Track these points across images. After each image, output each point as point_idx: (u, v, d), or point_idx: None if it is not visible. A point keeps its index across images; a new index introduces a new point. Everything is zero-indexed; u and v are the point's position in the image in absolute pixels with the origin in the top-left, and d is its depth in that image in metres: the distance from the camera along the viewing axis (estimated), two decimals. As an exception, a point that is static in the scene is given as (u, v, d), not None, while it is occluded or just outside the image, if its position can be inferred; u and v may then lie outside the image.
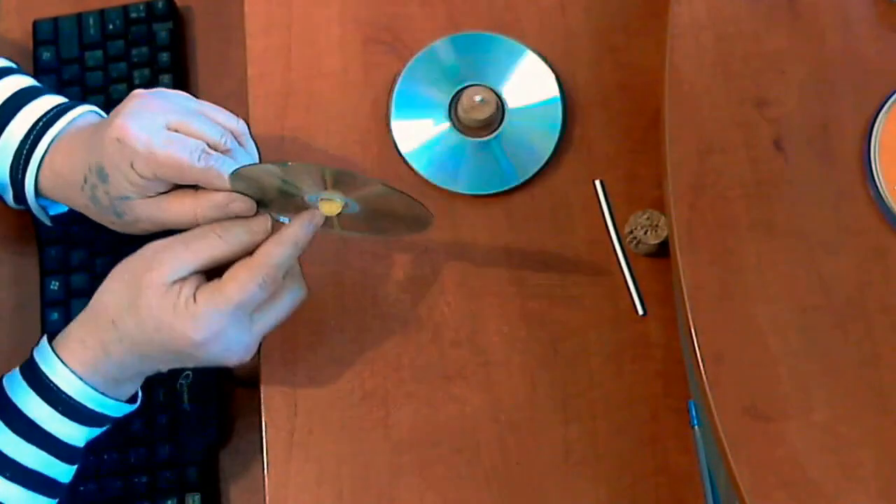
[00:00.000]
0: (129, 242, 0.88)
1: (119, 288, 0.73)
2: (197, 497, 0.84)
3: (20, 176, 0.80)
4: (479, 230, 0.84)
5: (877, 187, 0.68)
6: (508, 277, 0.82)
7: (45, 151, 0.79)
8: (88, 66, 0.94)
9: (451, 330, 0.82)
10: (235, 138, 0.78)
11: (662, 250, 0.79)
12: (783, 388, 0.65)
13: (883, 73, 0.71)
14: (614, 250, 0.82)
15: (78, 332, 0.74)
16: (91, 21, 0.94)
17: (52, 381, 0.73)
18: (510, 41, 0.86)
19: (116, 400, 0.75)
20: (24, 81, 0.83)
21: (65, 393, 0.73)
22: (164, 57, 0.94)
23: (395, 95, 0.86)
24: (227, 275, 0.72)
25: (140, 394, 0.79)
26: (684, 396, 0.78)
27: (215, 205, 0.74)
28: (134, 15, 0.95)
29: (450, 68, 0.86)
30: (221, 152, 0.75)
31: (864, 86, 0.71)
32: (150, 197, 0.76)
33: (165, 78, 0.93)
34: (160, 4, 0.95)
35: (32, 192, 0.80)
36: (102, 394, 0.74)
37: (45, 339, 0.75)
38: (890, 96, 0.70)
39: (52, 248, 0.89)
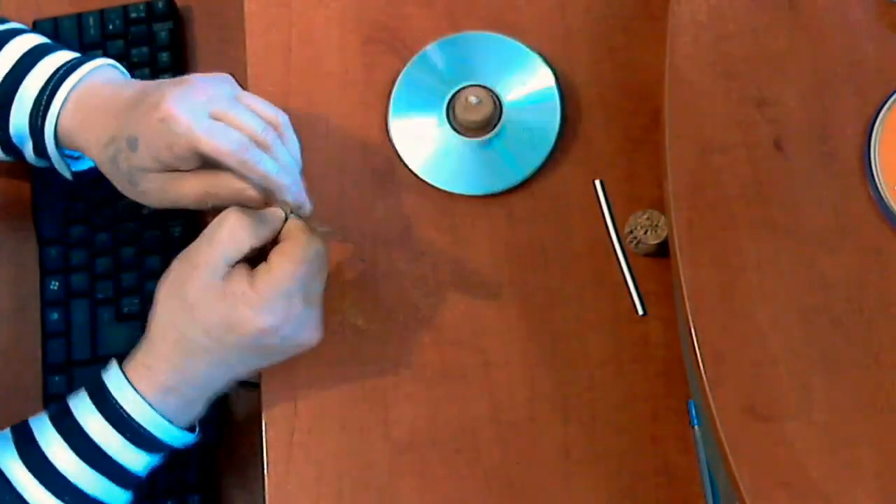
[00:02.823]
0: (130, 243, 0.89)
1: (170, 310, 0.73)
2: (197, 497, 0.84)
3: (40, 123, 0.80)
4: (479, 230, 0.84)
5: (877, 187, 0.68)
6: (508, 277, 0.82)
7: (66, 99, 0.79)
8: (88, 66, 0.94)
9: (451, 330, 0.82)
10: (275, 129, 0.78)
11: (662, 250, 0.79)
12: (783, 388, 0.65)
13: (883, 73, 0.71)
14: (614, 250, 0.82)
15: (145, 358, 0.74)
16: (91, 21, 0.94)
17: (124, 409, 0.73)
18: (510, 41, 0.86)
19: (180, 428, 0.75)
20: (40, 39, 0.84)
21: (136, 420, 0.73)
22: (164, 57, 0.94)
23: (394, 95, 0.86)
24: (272, 256, 0.73)
25: (198, 425, 0.79)
26: (684, 396, 0.78)
27: (230, 189, 0.76)
28: (134, 15, 0.95)
29: (449, 68, 0.86)
30: (261, 145, 0.76)
31: (864, 86, 0.71)
32: (167, 173, 0.76)
33: (165, 78, 0.93)
34: (160, 4, 0.95)
35: (52, 139, 0.80)
36: (169, 421, 0.74)
37: (114, 362, 0.75)
38: (890, 96, 0.70)
39: (52, 248, 0.90)
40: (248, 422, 0.86)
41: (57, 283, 0.89)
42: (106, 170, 0.80)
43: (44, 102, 0.80)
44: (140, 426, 0.73)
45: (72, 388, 0.86)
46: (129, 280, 0.88)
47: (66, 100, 0.79)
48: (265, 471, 0.80)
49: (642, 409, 0.79)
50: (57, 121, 0.80)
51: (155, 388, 0.73)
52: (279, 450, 0.80)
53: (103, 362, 0.86)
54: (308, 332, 0.75)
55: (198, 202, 0.77)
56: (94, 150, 0.79)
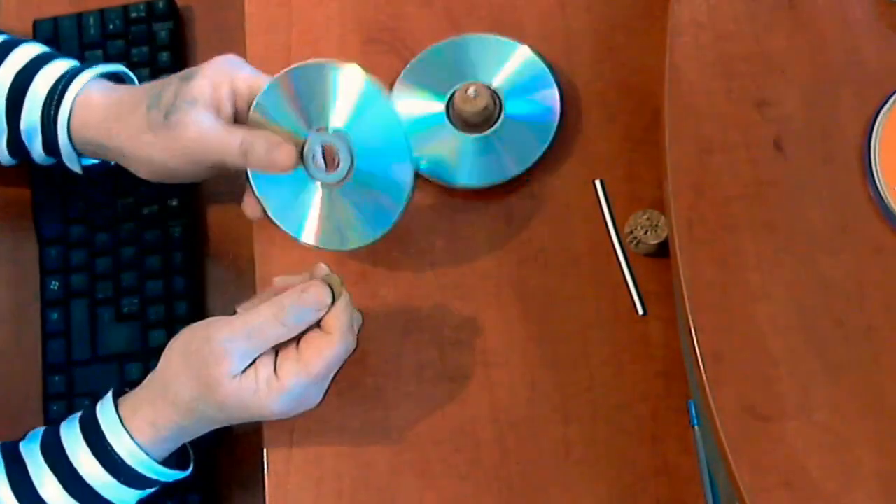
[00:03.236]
0: (130, 243, 0.89)
1: (187, 381, 0.72)
2: (197, 497, 0.84)
3: (53, 113, 0.80)
4: (478, 230, 0.84)
5: (877, 187, 0.68)
6: (508, 277, 0.82)
7: (82, 89, 0.80)
8: (88, 66, 0.94)
9: (451, 330, 0.82)
10: None
11: (662, 250, 0.79)
12: (783, 388, 0.65)
13: (883, 73, 0.71)
14: (614, 250, 0.82)
15: (148, 412, 0.73)
16: (91, 21, 0.94)
17: (119, 455, 0.73)
18: (509, 42, 0.86)
19: (166, 464, 0.76)
20: (48, 48, 0.84)
21: (130, 466, 0.73)
22: (164, 57, 0.94)
23: (394, 95, 0.86)
24: (305, 349, 0.73)
25: (192, 459, 0.79)
26: (684, 396, 0.78)
27: (268, 141, 0.76)
28: (134, 15, 0.95)
29: (449, 69, 0.86)
30: None
31: (864, 86, 0.71)
32: (209, 115, 0.77)
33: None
34: (160, 4, 0.95)
35: (66, 129, 0.80)
36: (161, 463, 0.74)
37: (111, 403, 0.74)
38: (890, 96, 0.70)
39: (52, 248, 0.90)
40: (247, 422, 0.86)
41: (57, 283, 0.89)
42: (130, 126, 0.78)
43: (58, 93, 0.80)
44: (134, 470, 0.73)
45: (72, 389, 0.87)
46: (129, 280, 0.88)
47: (82, 90, 0.80)
48: (265, 471, 0.80)
49: (642, 409, 0.79)
50: (72, 108, 0.80)
51: (155, 441, 0.74)
52: (279, 450, 0.80)
53: (103, 362, 0.87)
54: (313, 405, 0.76)
55: (232, 153, 0.76)
56: (125, 110, 0.79)
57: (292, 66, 0.78)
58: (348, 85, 0.77)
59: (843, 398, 0.64)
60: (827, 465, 0.63)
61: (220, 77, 0.78)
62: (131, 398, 0.75)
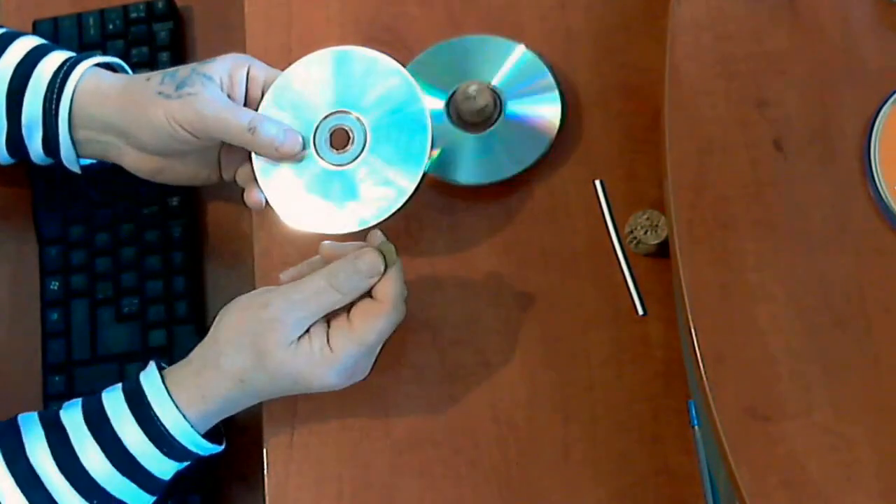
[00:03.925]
0: (130, 243, 0.89)
1: (239, 351, 0.73)
2: (197, 497, 0.84)
3: (55, 106, 0.80)
4: (479, 230, 0.84)
5: (877, 187, 0.68)
6: (508, 277, 0.82)
7: (83, 75, 0.80)
8: (88, 66, 0.94)
9: (451, 330, 0.82)
10: None
11: (662, 250, 0.79)
12: (783, 388, 0.65)
13: (883, 73, 0.71)
14: (614, 250, 0.82)
15: (196, 385, 0.74)
16: (91, 21, 0.95)
17: (165, 426, 0.73)
18: (509, 42, 0.86)
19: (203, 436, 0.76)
20: (44, 40, 0.84)
21: (174, 437, 0.73)
22: (164, 57, 0.94)
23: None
24: (357, 318, 0.73)
25: (223, 435, 0.80)
26: (684, 396, 0.78)
27: (275, 124, 0.78)
28: (134, 15, 0.95)
29: (449, 69, 0.86)
30: None
31: (864, 86, 0.71)
32: (220, 94, 0.78)
33: (165, 78, 0.93)
34: (160, 4, 0.95)
35: (66, 121, 0.80)
36: (200, 434, 0.75)
37: (156, 373, 0.74)
38: (890, 96, 0.70)
39: (52, 248, 0.90)
40: (248, 422, 0.86)
41: (57, 283, 0.89)
42: (147, 89, 0.79)
43: (60, 79, 0.80)
44: (178, 442, 0.74)
45: (72, 389, 0.87)
46: (129, 280, 0.88)
47: (86, 73, 0.80)
48: (265, 471, 0.80)
49: (642, 409, 0.79)
50: (74, 91, 0.80)
51: (200, 413, 0.74)
52: (279, 450, 0.80)
53: (103, 362, 0.87)
54: (360, 378, 0.77)
55: (238, 128, 0.77)
56: (135, 80, 0.80)
57: (310, 55, 0.80)
58: (375, 71, 0.79)
59: (843, 398, 0.64)
60: (827, 465, 0.63)
61: (239, 62, 0.80)
62: (178, 370, 0.75)
